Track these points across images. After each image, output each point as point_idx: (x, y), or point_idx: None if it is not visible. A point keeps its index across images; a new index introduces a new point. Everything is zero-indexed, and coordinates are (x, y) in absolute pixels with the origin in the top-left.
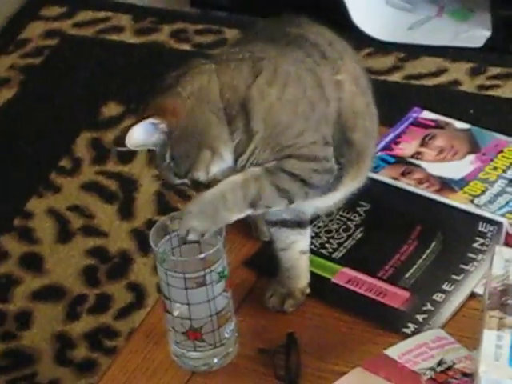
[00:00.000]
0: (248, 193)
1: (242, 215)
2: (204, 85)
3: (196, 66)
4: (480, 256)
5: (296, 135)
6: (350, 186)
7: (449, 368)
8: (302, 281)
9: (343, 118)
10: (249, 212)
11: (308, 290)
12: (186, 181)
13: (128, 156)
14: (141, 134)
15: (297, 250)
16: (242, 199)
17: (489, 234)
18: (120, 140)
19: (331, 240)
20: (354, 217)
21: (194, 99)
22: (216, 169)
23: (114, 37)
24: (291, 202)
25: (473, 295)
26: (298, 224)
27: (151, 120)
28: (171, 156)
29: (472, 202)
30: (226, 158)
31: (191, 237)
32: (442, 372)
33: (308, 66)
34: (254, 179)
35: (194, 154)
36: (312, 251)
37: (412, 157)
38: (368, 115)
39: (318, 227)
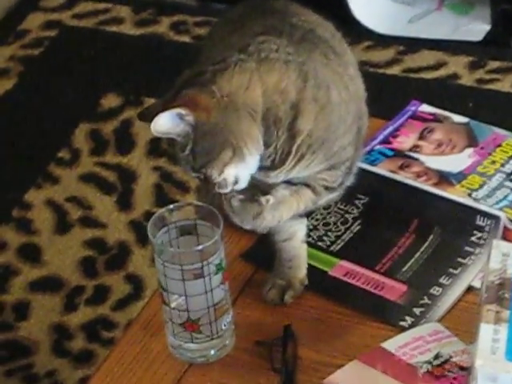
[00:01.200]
0: (297, 210)
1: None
2: (244, 85)
3: (235, 62)
4: (477, 250)
5: (340, 138)
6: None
7: (445, 361)
8: (302, 271)
9: (358, 106)
10: None
11: (306, 281)
12: (199, 175)
13: (127, 147)
14: (167, 122)
15: (299, 238)
16: (289, 215)
17: (486, 228)
18: (142, 115)
19: (329, 233)
20: (352, 210)
21: (229, 99)
22: (232, 171)
23: (114, 28)
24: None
25: (470, 289)
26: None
27: (180, 110)
28: (191, 149)
29: (470, 195)
30: (249, 163)
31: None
32: (438, 365)
33: (332, 67)
34: (303, 201)
35: (215, 152)
36: (310, 244)
37: (410, 150)
38: (364, 97)
39: (316, 220)
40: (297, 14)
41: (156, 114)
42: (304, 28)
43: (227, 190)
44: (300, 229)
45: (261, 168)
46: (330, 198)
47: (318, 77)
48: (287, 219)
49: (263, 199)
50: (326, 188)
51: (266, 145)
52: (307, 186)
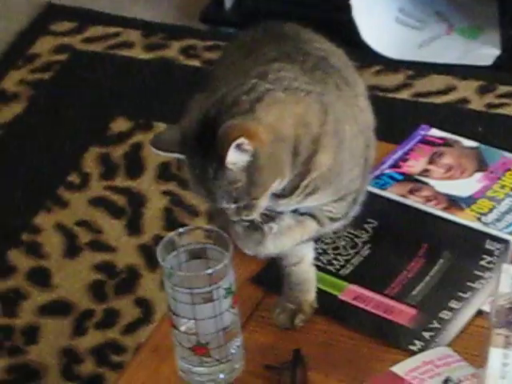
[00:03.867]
0: (299, 240)
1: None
2: (280, 115)
3: (267, 93)
4: (487, 274)
5: (350, 171)
6: None
7: None
8: (312, 294)
9: (366, 137)
10: None
11: (316, 304)
12: (232, 207)
13: (136, 171)
14: (236, 154)
15: (307, 262)
16: (294, 245)
17: (496, 252)
18: (157, 144)
19: (338, 257)
20: (362, 234)
21: (272, 128)
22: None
23: (124, 52)
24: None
25: (480, 313)
26: None
27: (242, 140)
28: (247, 179)
29: (479, 219)
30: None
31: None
32: None
33: (344, 99)
34: (306, 231)
35: (269, 182)
36: (319, 268)
37: (420, 174)
38: (373, 126)
39: (326, 244)
40: (309, 41)
41: (225, 151)
42: (317, 56)
43: (255, 217)
44: (308, 252)
45: (271, 195)
46: (333, 228)
47: (335, 110)
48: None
49: (267, 227)
50: (331, 219)
51: None
52: (312, 216)
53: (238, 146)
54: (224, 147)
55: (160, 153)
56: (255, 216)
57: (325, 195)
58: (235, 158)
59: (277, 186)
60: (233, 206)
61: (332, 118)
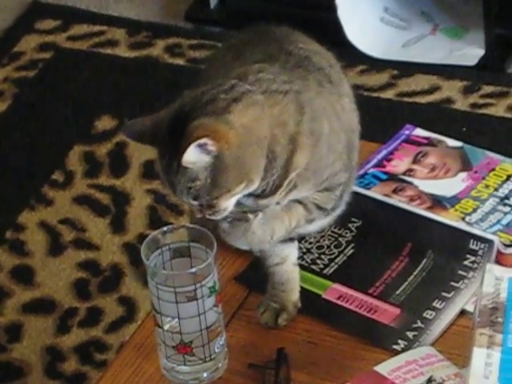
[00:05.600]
0: (289, 227)
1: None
2: (256, 118)
3: (245, 93)
4: (471, 274)
5: (330, 166)
6: (338, 209)
7: None
8: (295, 294)
9: (349, 139)
10: None
11: (299, 304)
12: (194, 203)
13: (121, 170)
14: (196, 154)
15: (291, 262)
16: (284, 233)
17: (480, 252)
18: (129, 133)
19: (322, 256)
20: (346, 233)
21: (245, 131)
22: (234, 200)
23: (109, 51)
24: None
25: (463, 313)
26: (290, 238)
27: (205, 140)
28: (208, 180)
29: (463, 219)
30: (254, 190)
31: None
32: None
33: (325, 96)
34: (294, 216)
35: (232, 185)
36: (303, 267)
37: (404, 174)
38: (357, 132)
39: (310, 243)
40: (295, 42)
41: (184, 148)
42: (299, 55)
43: (219, 217)
44: (291, 252)
45: (250, 195)
46: (320, 224)
47: (313, 107)
48: (279, 240)
49: (251, 215)
50: (318, 207)
51: (263, 177)
52: (298, 202)
53: (201, 146)
54: (184, 145)
55: (131, 140)
56: (219, 217)
57: (305, 189)
58: (194, 157)
59: (243, 189)
60: (194, 202)
61: (308, 116)
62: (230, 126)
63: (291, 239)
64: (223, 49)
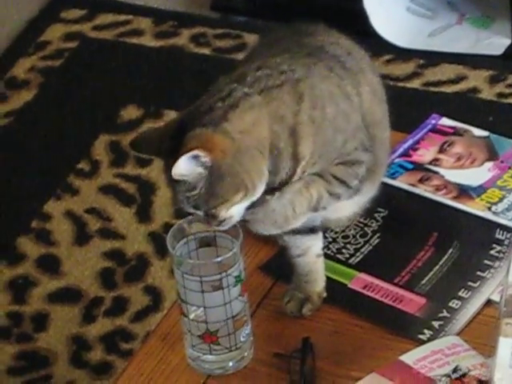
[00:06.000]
0: (311, 200)
1: (304, 219)
2: (254, 122)
3: (242, 97)
4: (497, 263)
5: (340, 147)
6: (363, 197)
7: (464, 375)
8: (319, 284)
9: (365, 128)
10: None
11: (325, 294)
12: (199, 212)
13: (146, 159)
14: (187, 165)
15: (313, 254)
16: (307, 206)
17: (506, 241)
18: (136, 146)
19: (348, 245)
20: (371, 223)
21: (243, 138)
22: (236, 209)
23: (134, 40)
24: (339, 201)
25: (489, 302)
26: (311, 230)
27: (197, 152)
28: (204, 190)
29: (489, 209)
30: (256, 196)
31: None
32: (457, 379)
33: (334, 80)
34: (314, 187)
35: (229, 194)
36: (329, 256)
37: (430, 163)
38: (383, 125)
39: (335, 232)
40: (316, 35)
41: (175, 159)
42: (312, 45)
43: (226, 228)
44: (314, 244)
45: (267, 191)
46: (346, 209)
47: (314, 94)
48: (305, 214)
49: (268, 196)
50: (337, 179)
51: (275, 173)
52: (317, 175)
53: (195, 157)
54: (176, 157)
55: (139, 155)
56: (226, 227)
57: (317, 167)
58: (185, 169)
59: (242, 198)
60: (196, 211)
61: (307, 104)
62: (226, 134)
63: (313, 230)
64: (259, 44)
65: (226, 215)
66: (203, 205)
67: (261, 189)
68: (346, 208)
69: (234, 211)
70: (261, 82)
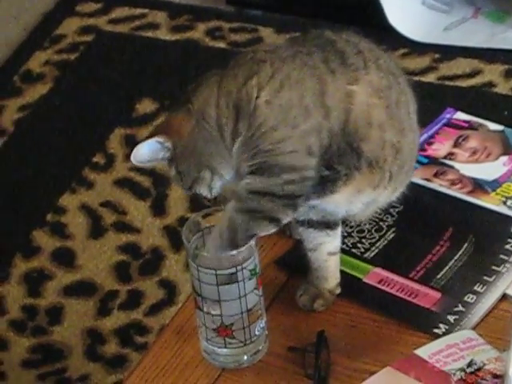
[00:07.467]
0: (239, 229)
1: (251, 243)
2: (206, 99)
3: (207, 78)
4: None
5: (277, 141)
6: (372, 194)
7: (479, 369)
8: (330, 282)
9: (351, 127)
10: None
11: (338, 291)
12: (190, 193)
13: None
14: (146, 152)
15: (324, 251)
16: (239, 237)
17: None
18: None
19: (363, 240)
20: (387, 217)
21: (197, 116)
22: (218, 185)
23: (150, 34)
24: (277, 221)
25: (504, 297)
26: (326, 225)
27: (157, 139)
28: (177, 171)
29: (505, 203)
30: (226, 174)
31: None
32: (471, 373)
33: (317, 72)
34: (234, 214)
35: (196, 173)
36: (344, 251)
37: (445, 157)
38: (391, 128)
39: (351, 227)
40: (332, 35)
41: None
42: (325, 38)
43: (222, 205)
44: (326, 241)
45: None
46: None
47: (273, 76)
48: (311, 229)
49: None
50: (250, 191)
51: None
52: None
53: (159, 143)
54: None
55: (140, 165)
56: (222, 205)
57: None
58: (145, 155)
59: (212, 177)
60: (187, 192)
61: (255, 81)
62: (184, 116)
63: (327, 226)
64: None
65: (212, 194)
66: (184, 185)
67: (226, 167)
68: (359, 199)
69: (218, 188)
70: (240, 65)
